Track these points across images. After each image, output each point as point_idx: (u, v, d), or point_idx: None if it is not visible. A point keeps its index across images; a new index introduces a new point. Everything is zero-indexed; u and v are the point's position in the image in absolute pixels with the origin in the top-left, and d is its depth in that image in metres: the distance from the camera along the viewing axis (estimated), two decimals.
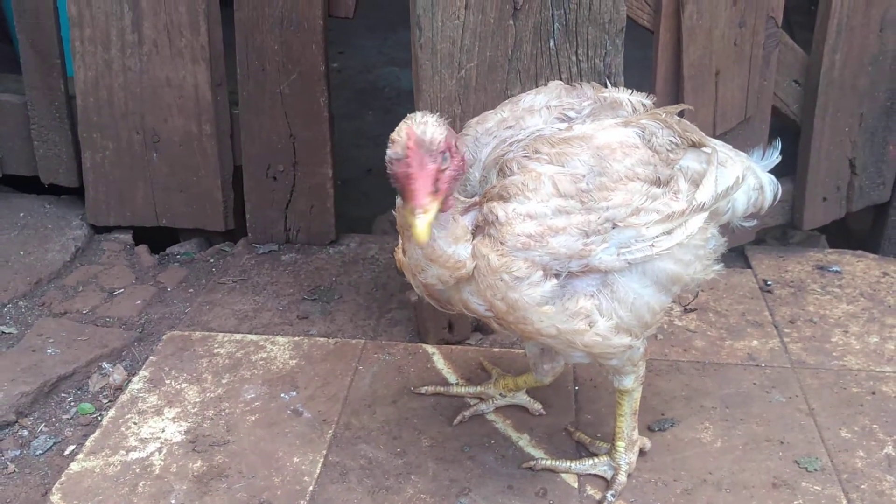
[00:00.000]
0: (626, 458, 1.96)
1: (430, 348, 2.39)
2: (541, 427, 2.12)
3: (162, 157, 2.85)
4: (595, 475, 1.97)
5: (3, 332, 2.49)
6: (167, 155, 2.85)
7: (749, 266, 2.81)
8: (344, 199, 3.10)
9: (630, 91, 1.81)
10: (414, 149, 1.38)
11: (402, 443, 2.06)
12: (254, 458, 2.01)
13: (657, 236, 1.58)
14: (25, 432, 2.19)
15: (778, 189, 1.95)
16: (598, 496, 1.93)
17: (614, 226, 1.54)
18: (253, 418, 2.13)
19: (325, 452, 2.03)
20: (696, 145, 1.73)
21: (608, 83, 2.27)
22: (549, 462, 1.98)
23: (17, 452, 2.14)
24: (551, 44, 2.17)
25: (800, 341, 2.44)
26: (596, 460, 1.98)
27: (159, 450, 2.03)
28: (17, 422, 2.20)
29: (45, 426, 2.21)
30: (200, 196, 2.89)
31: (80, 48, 2.75)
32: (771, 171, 2.66)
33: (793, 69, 2.70)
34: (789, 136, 2.93)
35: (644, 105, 1.76)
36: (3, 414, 2.18)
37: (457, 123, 2.16)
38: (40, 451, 2.13)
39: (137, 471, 1.97)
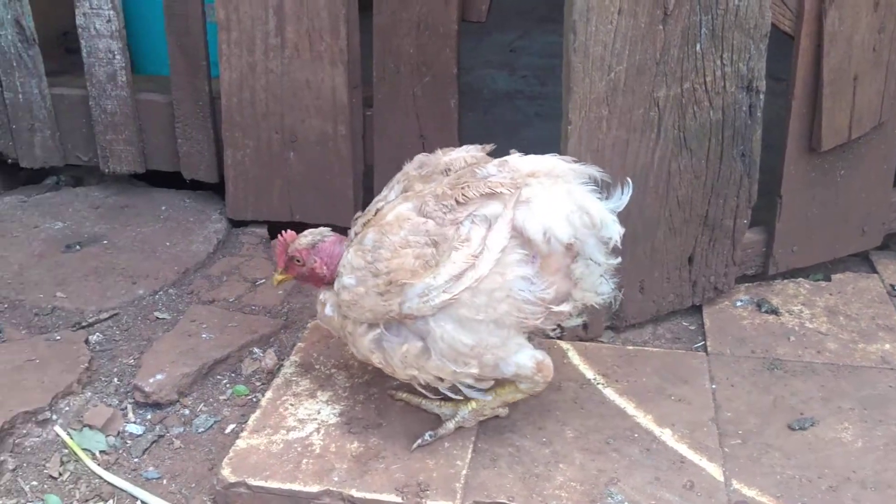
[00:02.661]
0: (467, 416, 2.11)
1: (564, 345, 2.46)
2: (682, 422, 2.17)
3: (298, 157, 2.99)
4: (435, 413, 2.14)
5: (157, 318, 2.64)
6: (303, 154, 2.98)
7: (875, 271, 2.81)
8: None
9: (468, 148, 2.05)
10: (281, 241, 2.14)
11: (546, 433, 2.13)
12: (406, 441, 2.10)
13: (447, 282, 1.85)
14: (187, 411, 2.33)
15: (612, 229, 1.92)
16: (744, 490, 1.98)
17: (403, 284, 1.87)
18: (401, 403, 2.23)
19: (473, 439, 2.11)
20: (495, 195, 1.87)
21: (749, 86, 2.33)
22: (404, 395, 2.19)
23: (181, 429, 2.28)
24: (697, 48, 2.23)
25: None
26: (442, 403, 2.13)
27: (317, 430, 2.15)
28: (178, 401, 2.34)
29: (204, 406, 2.34)
30: (332, 194, 3.02)
31: (227, 51, 2.90)
32: None
33: None
34: None
35: (475, 157, 2.01)
36: (167, 393, 2.33)
37: (602, 124, 2.23)
38: (202, 429, 2.27)
39: (299, 449, 2.09)
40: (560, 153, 2.25)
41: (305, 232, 2.13)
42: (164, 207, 3.17)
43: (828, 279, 2.75)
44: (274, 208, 3.07)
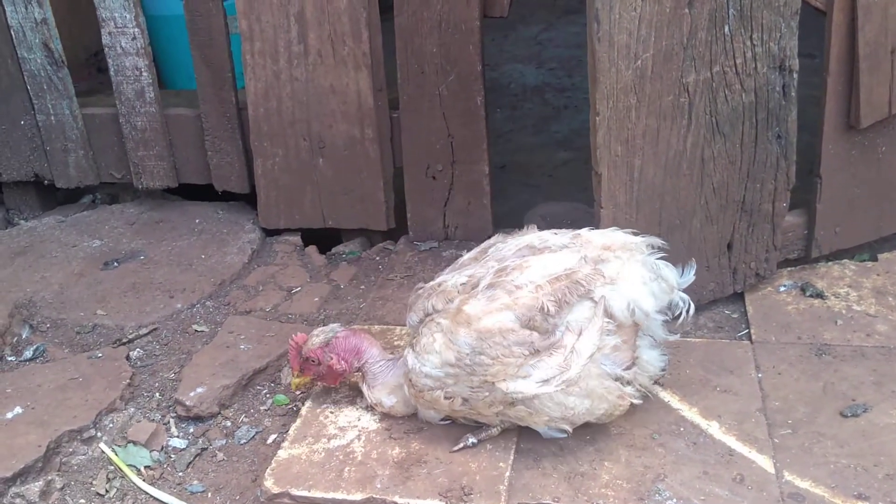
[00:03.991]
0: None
1: None
2: (729, 413, 2.12)
3: (327, 162, 2.98)
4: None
5: (196, 330, 2.66)
6: (332, 160, 2.98)
7: None
8: None
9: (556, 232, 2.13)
10: (293, 345, 2.15)
11: (589, 430, 2.09)
12: (448, 444, 2.08)
13: (537, 383, 1.92)
14: (228, 423, 2.33)
15: (677, 297, 2.08)
16: (797, 482, 1.92)
17: (497, 384, 1.93)
18: None
19: (515, 440, 2.08)
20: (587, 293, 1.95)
21: (782, 66, 2.26)
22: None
23: (224, 442, 2.28)
24: (726, 30, 2.17)
25: None
26: None
27: (358, 437, 2.14)
28: (220, 413, 2.35)
29: (246, 417, 2.35)
30: (363, 197, 3.01)
31: (251, 61, 2.90)
32: None
33: None
34: None
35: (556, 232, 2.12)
36: (208, 406, 2.34)
37: (631, 113, 2.19)
38: (244, 440, 2.28)
39: (341, 457, 2.08)
40: (590, 145, 2.24)
41: (316, 331, 2.16)
42: (197, 220, 3.19)
43: (874, 259, 2.67)
44: (306, 215, 3.07)
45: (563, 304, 1.93)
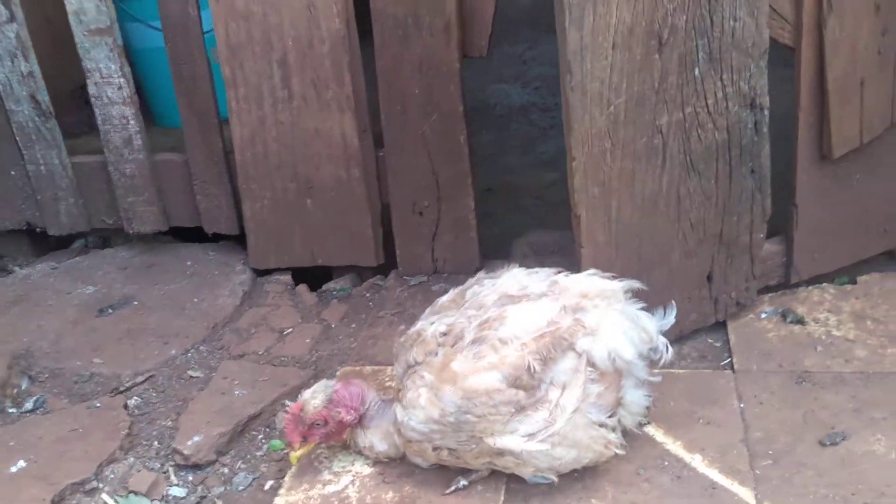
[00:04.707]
0: None
1: None
2: (712, 446, 2.18)
3: (315, 203, 3.03)
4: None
5: (191, 376, 2.71)
6: (320, 200, 3.03)
7: None
8: None
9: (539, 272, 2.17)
10: (290, 418, 2.12)
11: None
12: (440, 487, 2.14)
13: (523, 437, 1.98)
14: (226, 470, 2.38)
15: (658, 342, 2.11)
16: None
17: (483, 439, 1.99)
18: None
19: (505, 479, 2.14)
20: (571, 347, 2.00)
21: (752, 104, 2.32)
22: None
23: (222, 489, 2.33)
24: (696, 72, 2.23)
25: None
26: None
27: (352, 482, 2.19)
28: (217, 460, 2.40)
29: (243, 463, 2.40)
30: (353, 235, 3.06)
31: (236, 107, 2.95)
32: None
33: None
34: None
35: (548, 275, 2.15)
36: (205, 454, 2.38)
37: (607, 157, 2.25)
38: (242, 487, 2.32)
39: (336, 503, 2.13)
40: (568, 188, 2.30)
41: (307, 394, 2.14)
42: (189, 263, 3.24)
43: (853, 282, 2.73)
44: (296, 254, 3.12)
45: (548, 360, 1.97)
